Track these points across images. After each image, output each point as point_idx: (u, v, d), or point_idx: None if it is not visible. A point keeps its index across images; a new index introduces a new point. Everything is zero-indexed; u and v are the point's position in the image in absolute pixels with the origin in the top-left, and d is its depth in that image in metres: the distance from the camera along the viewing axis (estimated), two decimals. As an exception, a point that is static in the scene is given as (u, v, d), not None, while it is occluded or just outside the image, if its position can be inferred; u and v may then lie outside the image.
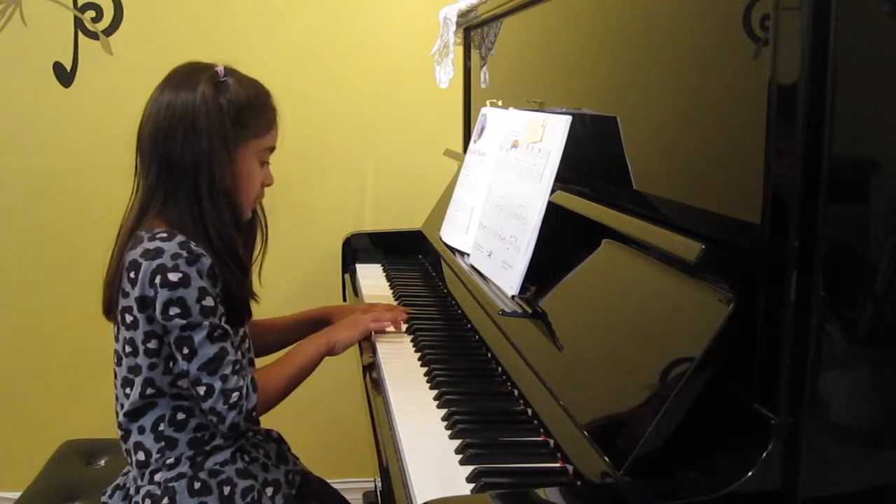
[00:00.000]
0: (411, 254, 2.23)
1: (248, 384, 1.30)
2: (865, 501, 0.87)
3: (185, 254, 1.25)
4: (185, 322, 1.24)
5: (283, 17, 2.42)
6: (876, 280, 0.84)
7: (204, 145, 1.29)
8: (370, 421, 1.28)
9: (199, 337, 1.25)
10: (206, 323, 1.25)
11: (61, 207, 2.40)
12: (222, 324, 1.28)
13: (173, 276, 1.23)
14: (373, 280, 2.04)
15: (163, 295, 1.23)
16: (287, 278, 2.45)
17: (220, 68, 1.35)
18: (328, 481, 1.58)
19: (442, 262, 1.90)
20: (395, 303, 1.80)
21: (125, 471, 1.39)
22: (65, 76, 2.36)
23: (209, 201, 1.30)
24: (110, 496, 1.37)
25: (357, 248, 2.24)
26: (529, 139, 1.42)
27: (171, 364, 1.29)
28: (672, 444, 0.87)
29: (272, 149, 1.42)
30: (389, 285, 1.98)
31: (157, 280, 1.23)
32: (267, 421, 1.47)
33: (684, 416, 0.87)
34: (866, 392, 0.85)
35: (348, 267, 2.20)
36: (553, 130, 1.34)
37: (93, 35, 2.35)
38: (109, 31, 2.35)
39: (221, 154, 1.31)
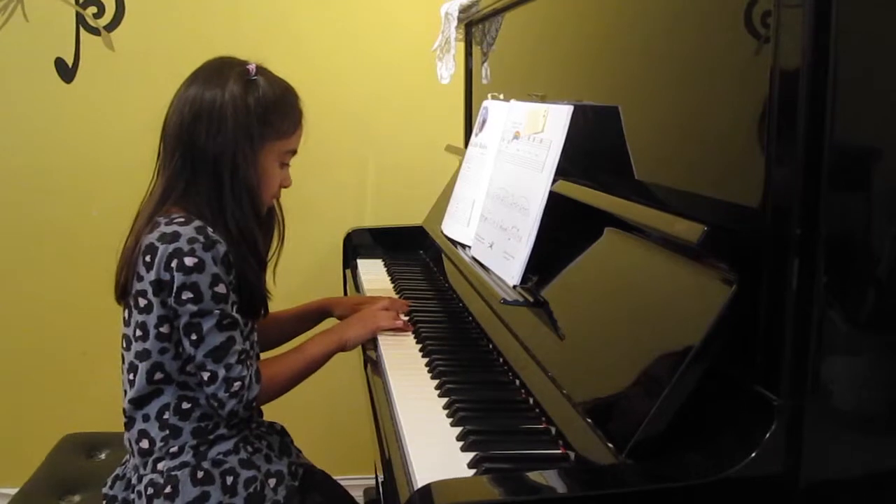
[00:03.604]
0: (413, 250, 2.24)
1: (252, 375, 1.30)
2: (868, 485, 0.87)
3: (201, 238, 1.25)
4: (196, 308, 1.25)
5: (285, 12, 2.42)
6: (877, 265, 0.84)
7: (229, 140, 1.30)
8: (371, 409, 1.27)
9: (208, 325, 1.26)
10: (216, 310, 1.26)
11: (62, 203, 2.40)
12: (233, 312, 1.28)
13: (189, 261, 1.24)
14: (374, 275, 2.04)
15: (178, 279, 1.24)
16: (289, 274, 2.41)
17: (251, 66, 1.36)
18: (329, 476, 1.57)
19: (443, 255, 1.90)
20: (396, 296, 1.80)
21: (124, 460, 1.39)
22: (66, 72, 2.36)
23: (230, 193, 1.31)
24: (111, 487, 1.37)
25: (358, 244, 2.24)
26: (531, 130, 1.42)
27: (180, 349, 1.29)
28: (674, 427, 0.87)
29: (294, 152, 1.42)
30: (391, 280, 1.98)
31: (174, 264, 1.24)
32: (270, 413, 1.46)
33: (687, 399, 0.87)
34: (868, 376, 0.85)
35: (349, 262, 2.20)
36: (554, 120, 1.34)
37: (94, 31, 2.35)
38: (111, 27, 2.35)
39: (246, 149, 1.32)
